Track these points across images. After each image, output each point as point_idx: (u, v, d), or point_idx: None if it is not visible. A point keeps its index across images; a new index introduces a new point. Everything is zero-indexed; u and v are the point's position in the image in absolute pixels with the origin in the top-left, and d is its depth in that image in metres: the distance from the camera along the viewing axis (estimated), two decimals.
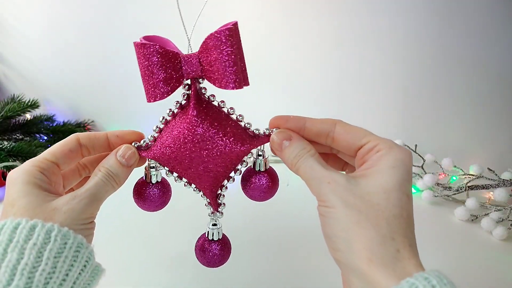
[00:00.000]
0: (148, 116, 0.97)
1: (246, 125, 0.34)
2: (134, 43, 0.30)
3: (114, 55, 0.92)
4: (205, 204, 0.36)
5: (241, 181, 0.36)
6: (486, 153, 0.74)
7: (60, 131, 0.91)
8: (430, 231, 0.58)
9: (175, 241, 0.55)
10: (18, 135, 0.89)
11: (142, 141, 0.35)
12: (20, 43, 0.99)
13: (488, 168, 0.64)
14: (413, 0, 0.68)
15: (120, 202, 0.66)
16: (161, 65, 0.30)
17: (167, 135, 0.33)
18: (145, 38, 0.31)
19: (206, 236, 0.37)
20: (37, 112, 0.93)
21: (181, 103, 0.33)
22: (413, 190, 0.71)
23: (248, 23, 0.78)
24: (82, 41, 0.93)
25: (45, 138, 0.91)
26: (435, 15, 0.68)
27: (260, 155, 0.35)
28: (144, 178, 0.36)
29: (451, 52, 0.70)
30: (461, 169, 0.68)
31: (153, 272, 0.49)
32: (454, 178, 0.69)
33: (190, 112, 0.32)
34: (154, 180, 0.36)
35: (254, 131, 0.34)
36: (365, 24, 0.73)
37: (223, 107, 0.33)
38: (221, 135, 0.32)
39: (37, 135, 0.91)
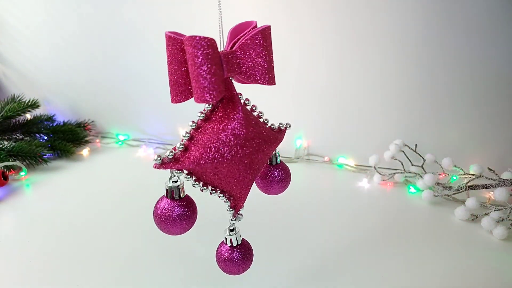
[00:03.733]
0: (149, 116, 0.97)
1: (265, 121, 0.36)
2: (187, 37, 0.28)
3: (114, 55, 0.92)
4: (227, 209, 0.35)
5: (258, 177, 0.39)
6: (486, 153, 0.74)
7: (60, 131, 0.91)
8: (430, 231, 0.59)
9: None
10: (18, 135, 0.89)
11: (168, 153, 0.31)
12: (20, 43, 0.99)
13: (488, 168, 0.64)
14: (413, 1, 0.68)
15: (123, 202, 0.66)
16: (211, 64, 0.28)
17: (210, 138, 0.31)
18: (172, 33, 0.31)
19: (225, 243, 0.36)
20: (37, 112, 0.93)
21: (212, 105, 0.32)
22: (413, 190, 0.71)
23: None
24: (82, 41, 0.93)
25: (45, 138, 0.91)
26: (435, 15, 0.68)
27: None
28: (166, 196, 0.32)
29: (451, 51, 0.70)
30: (461, 169, 0.68)
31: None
32: (454, 177, 0.69)
33: (238, 109, 0.32)
34: (182, 195, 0.32)
35: (271, 126, 0.36)
36: (365, 23, 0.73)
37: (255, 111, 0.35)
38: (264, 133, 0.34)
39: (37, 135, 0.91)
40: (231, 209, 0.35)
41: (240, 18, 0.84)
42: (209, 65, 0.28)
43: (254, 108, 0.35)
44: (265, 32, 0.32)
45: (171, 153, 0.31)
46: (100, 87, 0.97)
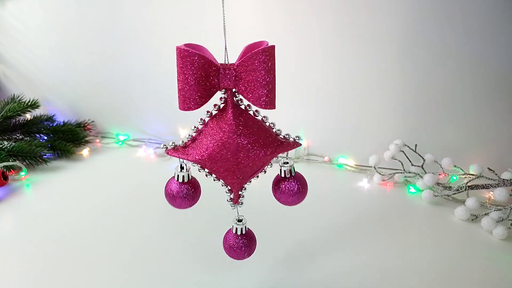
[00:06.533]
0: (149, 116, 0.97)
1: (277, 131, 0.36)
2: (178, 48, 0.31)
3: (114, 55, 0.92)
4: (227, 200, 0.39)
5: (272, 187, 0.39)
6: (486, 153, 0.74)
7: (60, 131, 0.91)
8: (430, 231, 0.59)
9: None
10: (18, 135, 0.89)
11: (180, 141, 0.36)
12: (20, 43, 0.99)
13: (488, 168, 0.64)
14: (412, 0, 0.68)
15: (127, 200, 0.66)
16: (200, 74, 0.32)
17: (209, 139, 0.35)
18: (186, 45, 0.33)
19: (233, 231, 0.40)
20: (37, 112, 0.93)
21: (219, 106, 0.35)
22: (413, 190, 0.71)
23: (250, 24, 0.78)
24: (82, 41, 0.93)
25: (45, 138, 0.91)
26: (435, 15, 0.68)
27: (286, 163, 0.37)
28: (176, 179, 0.37)
29: (451, 51, 0.70)
30: (461, 169, 0.68)
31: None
32: (454, 177, 0.69)
33: (230, 120, 0.34)
34: (186, 180, 0.37)
35: (285, 136, 0.36)
36: (365, 23, 0.73)
37: (258, 116, 0.36)
38: (253, 141, 0.34)
39: (37, 135, 0.91)
40: (230, 200, 0.39)
41: (239, 19, 0.84)
42: (194, 77, 0.31)
43: (264, 119, 0.36)
44: (267, 52, 0.31)
45: (182, 142, 0.36)
46: (100, 87, 0.97)
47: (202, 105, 0.33)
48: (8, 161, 0.75)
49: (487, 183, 0.65)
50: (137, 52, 0.90)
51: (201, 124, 0.35)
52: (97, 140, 0.99)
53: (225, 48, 0.35)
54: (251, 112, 0.36)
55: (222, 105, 0.35)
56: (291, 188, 0.37)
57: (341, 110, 0.81)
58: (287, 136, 0.36)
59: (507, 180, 0.62)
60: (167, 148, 0.36)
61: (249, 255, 0.40)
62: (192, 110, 0.33)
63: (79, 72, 0.97)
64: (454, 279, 0.48)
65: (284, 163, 0.37)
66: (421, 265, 0.50)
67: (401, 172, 0.73)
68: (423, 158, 0.70)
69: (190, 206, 0.37)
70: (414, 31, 0.70)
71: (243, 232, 0.40)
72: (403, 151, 0.72)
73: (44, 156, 0.82)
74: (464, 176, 0.67)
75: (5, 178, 0.72)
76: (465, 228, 0.59)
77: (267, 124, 0.36)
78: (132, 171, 0.82)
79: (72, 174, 0.80)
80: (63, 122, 0.95)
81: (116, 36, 0.90)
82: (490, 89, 0.70)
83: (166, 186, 0.37)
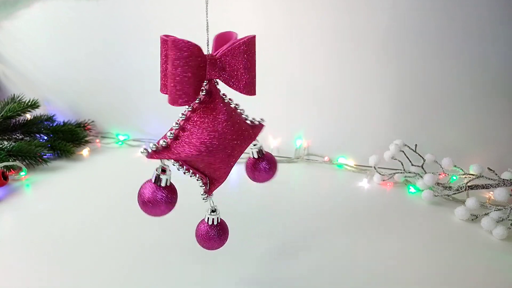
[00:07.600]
0: (149, 116, 0.97)
1: (245, 116, 0.38)
2: (171, 40, 0.30)
3: (114, 55, 0.92)
4: (201, 194, 0.38)
5: (248, 169, 0.41)
6: (486, 153, 0.74)
7: (60, 131, 0.91)
8: (430, 231, 0.59)
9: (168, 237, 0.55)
10: (18, 135, 0.89)
11: (161, 141, 0.34)
12: (20, 43, 0.99)
13: (488, 168, 0.64)
14: (412, 0, 0.68)
15: (117, 202, 0.66)
16: (188, 69, 0.31)
17: (200, 131, 0.34)
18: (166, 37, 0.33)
19: (206, 221, 0.40)
20: (37, 112, 0.93)
21: (200, 98, 0.34)
22: (413, 190, 0.71)
23: (249, 23, 0.78)
24: (82, 41, 0.93)
25: (45, 138, 0.91)
26: (434, 15, 0.68)
27: (255, 145, 0.40)
28: (153, 181, 0.34)
29: (451, 51, 0.70)
30: (461, 169, 0.68)
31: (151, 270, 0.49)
32: (454, 177, 0.69)
33: (222, 109, 0.34)
34: (164, 184, 0.34)
35: (252, 120, 0.38)
36: (365, 23, 0.73)
37: (231, 104, 0.37)
38: (238, 128, 0.35)
39: (37, 135, 0.91)
40: (204, 193, 0.38)
41: (238, 17, 0.84)
42: (185, 70, 0.30)
43: (237, 106, 0.37)
44: (249, 43, 0.33)
45: (164, 142, 0.34)
46: (100, 87, 0.97)
47: (195, 98, 0.33)
48: (8, 161, 0.75)
49: (487, 183, 0.65)
50: (137, 52, 0.90)
51: (183, 120, 0.34)
52: (97, 140, 0.99)
53: (207, 42, 0.36)
54: (226, 100, 0.36)
55: (203, 97, 0.34)
56: (266, 166, 0.41)
57: (341, 110, 0.81)
58: (253, 120, 0.38)
59: (507, 180, 0.62)
60: (148, 152, 0.33)
61: (223, 244, 0.40)
62: (187, 104, 0.32)
63: (79, 72, 0.97)
64: (454, 279, 0.48)
65: (253, 144, 0.40)
66: (421, 265, 0.50)
67: (401, 172, 0.73)
68: (423, 158, 0.70)
69: (169, 211, 0.35)
70: (414, 31, 0.70)
71: (215, 223, 0.40)
72: (403, 151, 0.72)
73: (44, 156, 0.82)
74: (464, 176, 0.67)
75: (5, 178, 0.72)
76: (465, 228, 0.59)
77: (239, 110, 0.37)
78: (132, 171, 0.82)
79: (72, 174, 0.80)
80: (63, 122, 0.95)
81: (116, 35, 0.90)
82: (490, 89, 0.70)
83: (145, 192, 0.34)
